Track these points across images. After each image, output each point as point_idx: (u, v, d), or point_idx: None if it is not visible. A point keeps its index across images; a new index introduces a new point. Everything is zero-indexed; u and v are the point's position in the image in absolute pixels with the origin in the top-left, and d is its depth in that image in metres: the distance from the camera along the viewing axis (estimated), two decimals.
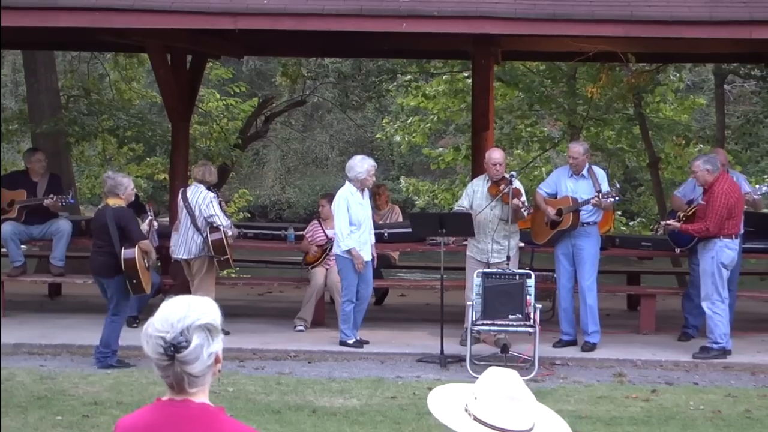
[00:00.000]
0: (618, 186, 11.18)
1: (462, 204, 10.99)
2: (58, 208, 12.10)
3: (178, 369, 2.77)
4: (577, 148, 10.95)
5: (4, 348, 9.90)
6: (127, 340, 9.91)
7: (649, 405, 8.74)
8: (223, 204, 11.54)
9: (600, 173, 10.90)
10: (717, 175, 10.25)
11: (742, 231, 10.44)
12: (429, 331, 11.13)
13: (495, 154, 10.80)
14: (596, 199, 10.44)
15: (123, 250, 9.64)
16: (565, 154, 12.24)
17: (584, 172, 10.74)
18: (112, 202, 9.80)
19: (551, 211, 10.70)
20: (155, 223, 10.38)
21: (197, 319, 2.77)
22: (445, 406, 2.97)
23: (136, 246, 9.68)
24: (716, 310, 10.25)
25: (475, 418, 2.88)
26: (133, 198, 10.22)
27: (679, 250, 11.40)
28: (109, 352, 9.81)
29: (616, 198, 10.75)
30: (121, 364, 9.81)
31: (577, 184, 10.72)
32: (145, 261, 9.84)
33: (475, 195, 10.81)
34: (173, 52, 12.57)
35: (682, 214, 10.81)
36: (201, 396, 2.85)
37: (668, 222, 10.73)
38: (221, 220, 11.03)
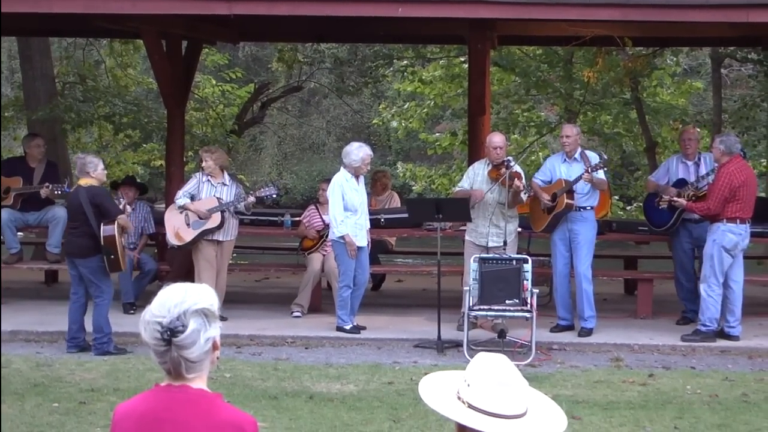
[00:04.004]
0: (605, 157, 11.16)
1: (463, 185, 11.00)
2: (54, 196, 12.09)
3: (175, 354, 2.78)
4: (570, 129, 11.03)
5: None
6: (124, 326, 9.91)
7: (646, 389, 8.74)
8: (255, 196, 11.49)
9: (593, 155, 10.89)
10: (731, 157, 10.24)
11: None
12: (426, 317, 11.14)
13: (495, 138, 10.83)
14: (587, 174, 10.44)
15: (102, 227, 9.63)
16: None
17: (576, 155, 10.74)
18: (84, 182, 9.78)
19: (546, 197, 10.70)
20: (129, 208, 10.39)
21: (194, 303, 2.79)
22: (438, 395, 2.96)
23: (115, 222, 9.67)
24: (711, 294, 10.27)
25: (469, 405, 2.88)
26: (104, 178, 10.21)
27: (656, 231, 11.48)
28: (104, 337, 9.77)
29: (603, 167, 10.72)
30: (118, 350, 9.79)
31: (571, 168, 10.71)
32: (122, 239, 9.83)
33: (476, 178, 10.81)
34: (168, 38, 12.54)
35: (691, 193, 10.81)
36: (199, 382, 2.86)
37: (674, 198, 10.74)
38: (178, 194, 11.26)
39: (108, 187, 11.52)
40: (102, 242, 9.63)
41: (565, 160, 10.83)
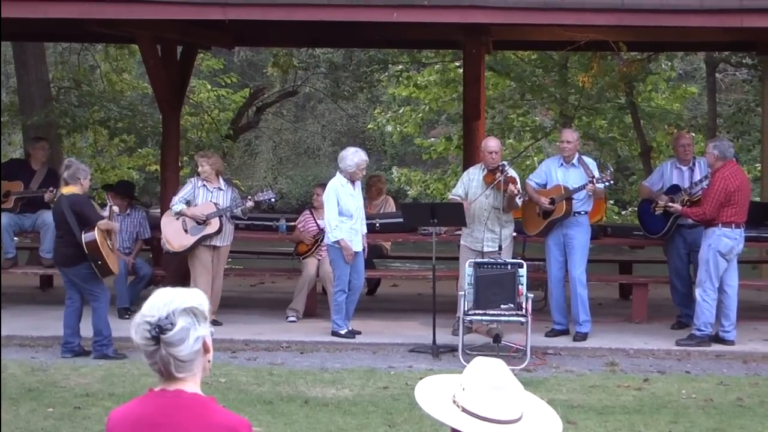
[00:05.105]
0: (611, 169, 11.19)
1: (457, 192, 10.99)
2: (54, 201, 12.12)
3: (164, 352, 2.77)
4: (571, 134, 11.06)
5: None
6: (119, 331, 9.89)
7: (641, 394, 8.75)
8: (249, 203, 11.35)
9: (590, 162, 10.91)
10: (725, 161, 10.25)
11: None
12: (421, 321, 11.13)
13: (491, 143, 10.83)
14: (591, 185, 10.44)
15: (83, 235, 9.62)
16: (557, 143, 12.30)
17: (575, 161, 10.75)
18: (67, 190, 9.75)
19: (544, 200, 10.69)
20: (115, 209, 10.39)
21: (183, 303, 2.79)
22: (433, 399, 2.96)
23: (96, 228, 9.65)
24: (706, 298, 10.27)
25: (464, 410, 2.87)
26: (87, 188, 10.18)
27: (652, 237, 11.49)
28: (103, 340, 9.77)
29: (610, 181, 10.78)
30: (117, 354, 9.77)
31: (568, 173, 10.71)
32: (108, 242, 9.81)
33: (470, 183, 10.81)
34: (163, 43, 12.53)
35: (686, 198, 10.82)
36: (192, 386, 2.85)
37: (670, 204, 10.75)
38: (174, 200, 11.19)
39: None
40: (85, 249, 9.62)
41: (562, 164, 10.82)
